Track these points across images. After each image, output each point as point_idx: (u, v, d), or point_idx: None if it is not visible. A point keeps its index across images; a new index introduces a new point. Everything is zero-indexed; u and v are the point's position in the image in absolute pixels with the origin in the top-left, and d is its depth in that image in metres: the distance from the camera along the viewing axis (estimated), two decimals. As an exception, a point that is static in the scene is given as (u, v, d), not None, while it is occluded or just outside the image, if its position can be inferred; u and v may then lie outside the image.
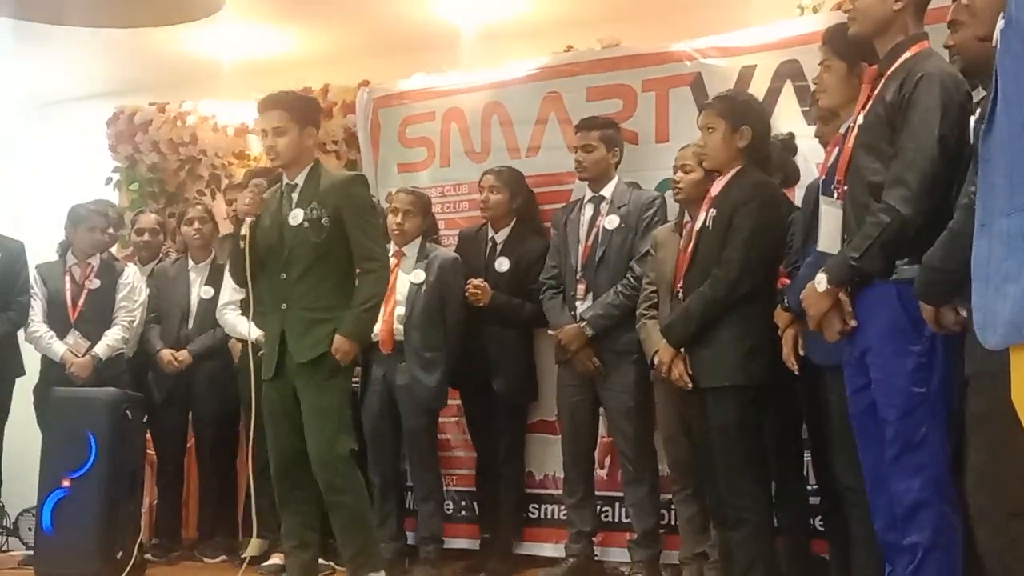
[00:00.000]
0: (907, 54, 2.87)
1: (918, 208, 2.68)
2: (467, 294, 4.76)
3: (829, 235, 2.97)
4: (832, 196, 2.99)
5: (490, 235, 4.95)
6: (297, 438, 3.91)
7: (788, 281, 3.55)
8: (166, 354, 5.37)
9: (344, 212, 3.93)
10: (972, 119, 2.63)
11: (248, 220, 4.01)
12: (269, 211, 4.04)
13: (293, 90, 4.16)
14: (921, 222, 2.68)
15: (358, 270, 4.00)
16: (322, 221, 3.91)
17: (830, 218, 2.98)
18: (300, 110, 4.02)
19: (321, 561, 4.39)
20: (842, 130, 3.19)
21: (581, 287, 4.57)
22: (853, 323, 2.85)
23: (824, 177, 3.18)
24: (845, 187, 2.94)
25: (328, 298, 3.93)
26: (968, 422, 2.35)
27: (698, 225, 3.72)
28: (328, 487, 3.90)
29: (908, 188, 2.72)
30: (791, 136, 4.14)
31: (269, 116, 3.98)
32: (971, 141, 2.57)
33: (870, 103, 2.90)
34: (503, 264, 4.86)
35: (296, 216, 3.94)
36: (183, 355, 5.37)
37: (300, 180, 4.01)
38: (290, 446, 3.93)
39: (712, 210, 3.65)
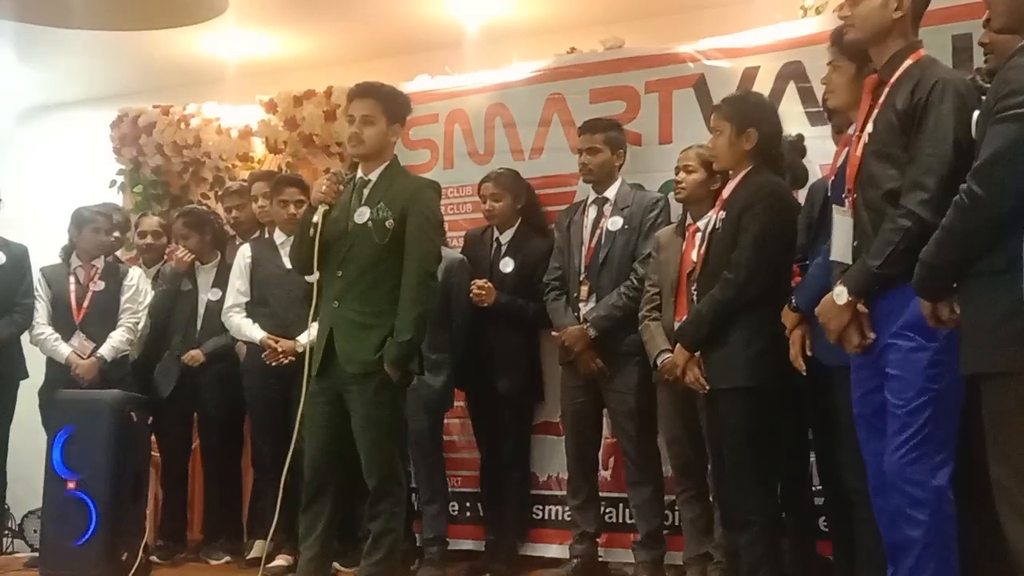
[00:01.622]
0: (908, 61, 2.89)
1: (937, 211, 2.65)
2: (471, 295, 4.77)
3: (841, 245, 2.97)
4: (843, 205, 2.99)
5: (495, 236, 4.96)
6: (334, 440, 3.84)
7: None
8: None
9: (408, 216, 3.83)
10: (975, 114, 2.64)
11: (322, 208, 3.89)
12: (340, 204, 3.93)
13: (388, 84, 4.04)
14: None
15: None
16: (386, 223, 3.82)
17: (841, 228, 2.97)
18: (391, 104, 3.92)
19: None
20: (849, 131, 3.19)
21: (584, 288, 4.57)
22: (872, 335, 2.85)
23: (833, 179, 3.18)
24: (855, 196, 2.94)
25: (380, 303, 3.82)
26: (990, 420, 2.37)
27: (709, 227, 3.73)
28: (377, 495, 3.83)
29: (927, 191, 2.72)
30: (800, 137, 4.14)
31: (360, 104, 3.91)
32: (974, 137, 2.59)
33: (878, 111, 2.90)
34: (508, 265, 4.87)
35: (362, 214, 3.86)
36: (196, 354, 5.34)
37: (374, 177, 3.92)
38: (326, 447, 3.84)
39: (722, 212, 3.66)
